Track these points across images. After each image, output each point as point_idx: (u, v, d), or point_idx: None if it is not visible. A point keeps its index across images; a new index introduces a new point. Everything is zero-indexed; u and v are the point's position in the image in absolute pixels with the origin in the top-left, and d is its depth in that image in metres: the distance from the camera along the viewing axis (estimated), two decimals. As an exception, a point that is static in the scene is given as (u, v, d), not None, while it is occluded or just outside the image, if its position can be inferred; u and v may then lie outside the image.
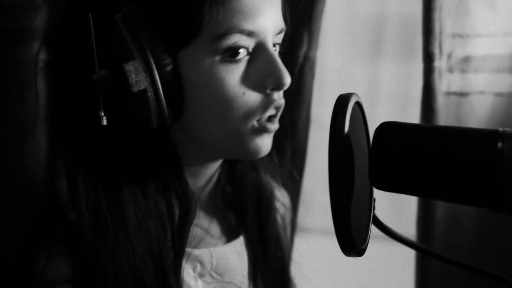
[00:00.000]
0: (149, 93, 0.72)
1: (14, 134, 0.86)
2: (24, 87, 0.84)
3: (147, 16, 0.72)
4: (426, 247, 0.68)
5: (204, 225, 0.88)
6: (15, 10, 0.83)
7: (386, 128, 0.59)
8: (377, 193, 0.64)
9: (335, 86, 1.39)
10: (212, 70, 0.74)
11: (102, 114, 0.72)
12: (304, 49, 1.13)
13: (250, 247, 0.92)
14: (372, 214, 0.66)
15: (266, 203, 0.94)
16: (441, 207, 1.14)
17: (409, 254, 1.16)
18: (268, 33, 0.77)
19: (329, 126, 0.59)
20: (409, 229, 1.17)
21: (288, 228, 1.02)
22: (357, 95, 0.62)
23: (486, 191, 0.54)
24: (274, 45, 0.80)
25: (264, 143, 0.79)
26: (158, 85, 0.72)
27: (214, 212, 0.90)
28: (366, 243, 0.63)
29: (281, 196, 1.02)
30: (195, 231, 0.86)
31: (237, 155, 0.83)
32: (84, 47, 0.72)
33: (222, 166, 0.89)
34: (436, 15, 1.09)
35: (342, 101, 0.59)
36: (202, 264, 0.85)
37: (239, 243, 0.91)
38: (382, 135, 0.58)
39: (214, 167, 0.86)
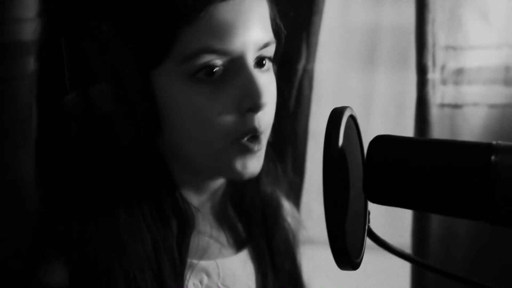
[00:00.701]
0: (115, 115, 0.72)
1: (7, 146, 0.86)
2: (17, 101, 0.84)
3: (121, 36, 0.72)
4: (421, 259, 0.68)
5: (210, 236, 0.87)
6: (8, 25, 0.84)
7: (380, 141, 0.59)
8: (372, 205, 0.64)
9: (329, 98, 1.39)
10: (183, 90, 0.73)
11: (73, 134, 0.73)
12: (303, 62, 1.14)
13: (258, 258, 0.91)
14: (367, 227, 0.65)
15: (271, 213, 0.93)
16: (436, 219, 1.14)
17: (405, 266, 1.16)
18: (247, 50, 0.74)
19: (323, 138, 0.59)
20: (404, 241, 1.17)
21: (297, 238, 1.00)
22: (351, 108, 0.62)
23: (480, 204, 0.54)
24: (263, 59, 0.77)
25: (249, 164, 0.77)
26: (125, 107, 0.72)
27: (221, 223, 0.89)
28: (361, 257, 0.63)
29: (289, 206, 1.00)
30: (200, 243, 0.85)
31: (224, 175, 0.82)
32: (58, 68, 0.72)
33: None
34: (429, 28, 1.10)
35: (335, 115, 0.59)
36: (208, 276, 0.84)
37: (245, 254, 0.90)
38: (376, 149, 0.58)
39: (217, 181, 0.85)
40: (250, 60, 0.75)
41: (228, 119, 0.74)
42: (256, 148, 0.77)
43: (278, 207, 0.94)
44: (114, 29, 0.71)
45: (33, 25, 0.84)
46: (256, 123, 0.75)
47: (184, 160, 0.79)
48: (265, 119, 0.77)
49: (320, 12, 1.11)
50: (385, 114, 1.61)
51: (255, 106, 0.74)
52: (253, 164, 0.78)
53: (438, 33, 1.10)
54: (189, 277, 0.82)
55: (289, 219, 0.98)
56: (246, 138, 0.76)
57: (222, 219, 0.89)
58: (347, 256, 0.58)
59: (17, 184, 0.87)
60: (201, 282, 0.83)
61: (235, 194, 0.91)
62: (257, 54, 0.76)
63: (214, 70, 0.73)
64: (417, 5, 1.10)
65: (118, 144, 0.73)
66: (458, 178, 0.55)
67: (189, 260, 0.82)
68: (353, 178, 0.61)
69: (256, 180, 0.89)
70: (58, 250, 0.76)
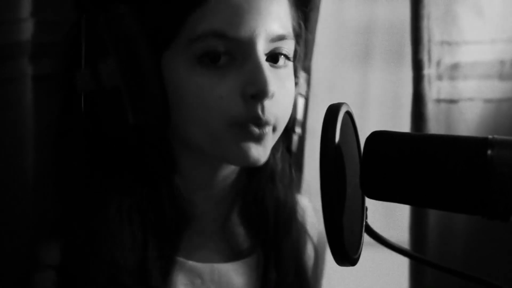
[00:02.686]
0: (123, 90, 0.72)
1: (3, 148, 0.86)
2: (11, 103, 0.84)
3: (136, 17, 0.73)
4: (419, 254, 0.68)
5: (211, 238, 0.85)
6: (0, 26, 0.83)
7: (377, 137, 0.59)
8: (369, 200, 0.64)
9: (325, 95, 1.39)
10: (189, 72, 0.74)
11: (83, 109, 0.74)
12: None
13: (261, 269, 0.87)
14: (364, 223, 0.66)
15: (284, 222, 0.88)
16: (433, 214, 1.14)
17: (403, 262, 1.16)
18: (256, 38, 0.74)
19: (319, 135, 0.59)
20: (402, 236, 1.17)
21: (312, 251, 0.94)
22: (347, 104, 0.62)
23: (477, 199, 0.54)
24: (278, 55, 0.77)
25: (252, 149, 0.76)
26: (132, 83, 0.73)
27: (226, 227, 0.86)
28: (359, 252, 0.63)
29: (309, 215, 0.95)
30: (197, 242, 0.83)
31: (227, 160, 0.79)
32: (75, 48, 0.74)
33: (238, 179, 0.85)
34: (424, 23, 1.10)
35: (332, 112, 0.59)
36: (202, 279, 0.83)
37: (248, 263, 0.87)
38: (373, 145, 0.58)
39: (225, 178, 0.83)
40: (260, 49, 0.74)
41: (230, 103, 0.74)
42: (256, 132, 0.75)
43: (291, 216, 0.89)
44: (129, 10, 0.73)
45: (25, 25, 0.84)
46: (259, 111, 0.74)
47: (190, 147, 0.79)
48: (273, 111, 0.75)
49: (317, 9, 1.10)
50: (381, 110, 1.61)
51: (259, 92, 0.73)
52: (257, 150, 0.76)
53: (433, 29, 1.10)
54: (180, 276, 0.81)
55: (309, 229, 0.94)
56: (249, 126, 0.75)
57: (228, 224, 0.87)
58: (345, 252, 0.58)
59: (15, 185, 0.87)
60: (193, 284, 0.82)
61: (248, 198, 0.87)
62: (271, 46, 0.76)
63: (219, 56, 0.73)
64: (412, 0, 1.10)
65: (125, 122, 0.74)
66: (454, 172, 0.55)
67: (182, 259, 0.81)
68: (350, 174, 0.61)
69: (272, 185, 0.87)
70: (56, 232, 0.79)
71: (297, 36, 0.81)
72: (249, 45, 0.74)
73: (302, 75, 0.86)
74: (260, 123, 0.75)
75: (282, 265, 0.87)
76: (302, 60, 0.84)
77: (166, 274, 0.79)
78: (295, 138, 0.86)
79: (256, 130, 0.75)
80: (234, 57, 0.74)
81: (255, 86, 0.73)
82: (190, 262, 0.82)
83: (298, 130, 0.86)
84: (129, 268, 0.76)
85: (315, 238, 0.95)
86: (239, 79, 0.74)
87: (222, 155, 0.77)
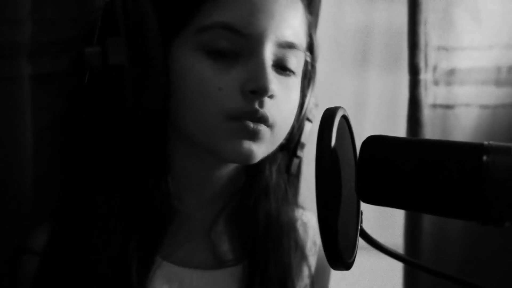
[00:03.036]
0: (127, 71, 0.73)
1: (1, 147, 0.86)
2: (10, 103, 0.84)
3: (151, 3, 0.74)
4: (413, 259, 0.68)
5: (196, 242, 0.84)
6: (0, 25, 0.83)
7: (373, 141, 0.59)
8: (364, 204, 0.64)
9: (322, 99, 1.39)
10: (194, 61, 0.74)
11: (86, 82, 0.75)
12: None
13: (246, 283, 0.84)
14: (359, 227, 0.66)
15: (274, 238, 0.86)
16: (428, 219, 1.15)
17: (397, 266, 1.17)
18: (265, 38, 0.74)
19: (315, 139, 0.59)
20: (396, 241, 1.18)
21: (308, 270, 0.91)
22: (343, 108, 0.62)
23: (472, 204, 0.55)
24: (286, 65, 0.76)
25: (244, 146, 0.75)
26: (139, 65, 0.73)
27: (213, 231, 0.85)
28: (353, 257, 0.63)
29: (311, 233, 0.93)
30: (182, 245, 0.83)
31: (219, 155, 0.78)
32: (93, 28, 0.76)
33: (232, 182, 0.84)
34: (422, 28, 1.10)
35: (328, 115, 0.59)
36: (181, 284, 0.82)
37: (231, 273, 0.85)
38: (369, 149, 0.59)
39: (218, 179, 0.83)
40: (267, 50, 0.75)
41: (228, 96, 0.74)
42: (252, 126, 0.74)
43: (282, 233, 0.87)
44: None
45: (24, 25, 0.84)
46: (256, 105, 0.74)
47: (186, 140, 0.79)
48: (272, 111, 0.75)
49: (316, 13, 1.10)
50: (378, 115, 1.61)
51: (258, 89, 0.73)
52: (249, 146, 0.75)
53: (430, 34, 1.11)
54: (160, 276, 0.81)
55: (309, 248, 0.92)
56: (244, 121, 0.75)
57: (215, 228, 0.85)
58: (339, 256, 0.59)
59: (14, 184, 0.87)
60: (170, 287, 0.81)
61: (239, 206, 0.86)
62: (279, 53, 0.76)
63: (225, 49, 0.74)
64: (409, 5, 1.10)
65: (125, 104, 0.74)
66: (450, 178, 0.55)
67: (162, 259, 0.81)
68: (346, 178, 0.61)
69: (265, 198, 0.86)
70: (47, 219, 0.82)
71: (309, 50, 0.81)
72: (256, 43, 0.74)
73: (312, 99, 0.86)
74: (256, 117, 0.74)
75: (267, 282, 0.85)
76: (312, 79, 0.84)
77: (145, 271, 0.79)
78: (296, 161, 0.86)
79: (250, 124, 0.74)
80: (240, 53, 0.75)
81: (255, 83, 0.74)
82: (171, 264, 0.82)
83: (300, 153, 0.85)
84: (110, 259, 0.77)
85: (314, 258, 0.92)
86: (241, 75, 0.74)
87: (215, 149, 0.77)
